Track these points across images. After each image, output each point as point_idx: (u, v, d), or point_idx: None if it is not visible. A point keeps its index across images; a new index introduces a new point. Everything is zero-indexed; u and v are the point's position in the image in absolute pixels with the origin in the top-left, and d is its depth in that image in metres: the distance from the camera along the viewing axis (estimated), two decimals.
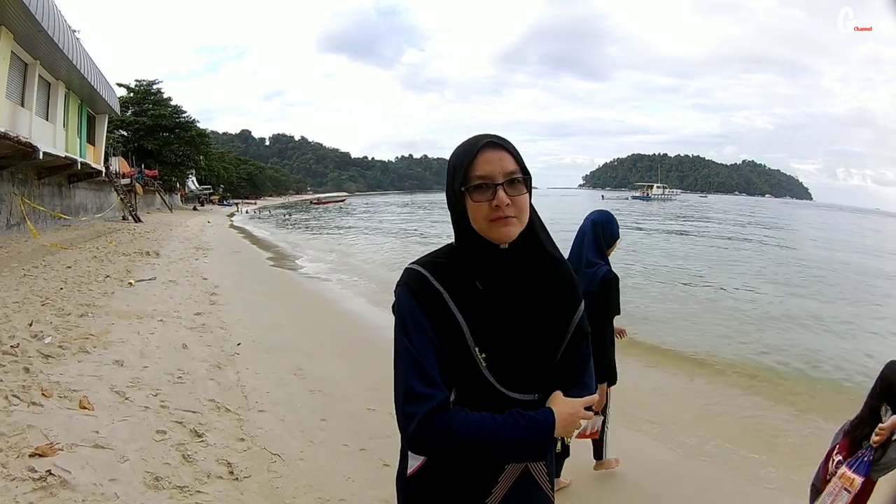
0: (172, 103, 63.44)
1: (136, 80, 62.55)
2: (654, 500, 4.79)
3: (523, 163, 1.70)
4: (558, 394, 1.73)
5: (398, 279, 1.73)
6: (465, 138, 1.74)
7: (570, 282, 1.85)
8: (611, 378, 4.35)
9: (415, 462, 1.75)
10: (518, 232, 1.67)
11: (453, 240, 1.80)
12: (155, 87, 63.06)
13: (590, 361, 1.90)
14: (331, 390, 6.60)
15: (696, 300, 15.15)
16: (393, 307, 1.74)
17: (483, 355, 1.65)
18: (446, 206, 1.75)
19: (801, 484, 5.04)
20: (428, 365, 1.60)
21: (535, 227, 1.77)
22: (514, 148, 1.70)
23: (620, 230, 4.48)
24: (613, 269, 4.29)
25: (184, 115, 64.54)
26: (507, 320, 1.69)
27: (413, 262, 1.76)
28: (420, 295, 1.66)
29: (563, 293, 1.81)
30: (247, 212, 70.75)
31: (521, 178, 1.66)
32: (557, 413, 1.67)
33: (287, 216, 65.67)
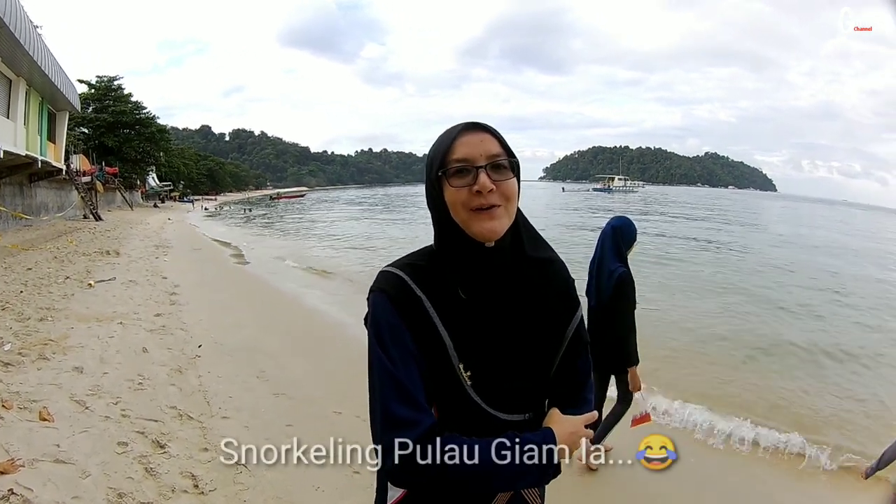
0: (133, 99, 62.13)
1: (97, 77, 61.20)
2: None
3: (509, 147, 1.52)
4: (555, 412, 1.58)
5: (372, 284, 1.53)
6: (437, 131, 1.55)
7: (566, 286, 1.68)
8: (633, 359, 4.70)
9: (395, 493, 1.55)
10: (506, 226, 1.50)
11: (432, 242, 1.63)
12: (116, 83, 61.73)
13: (590, 376, 1.71)
14: (295, 393, 6.44)
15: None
16: (366, 318, 1.53)
17: (468, 373, 1.48)
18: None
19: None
20: (411, 385, 1.41)
21: (520, 222, 1.58)
22: (497, 131, 1.52)
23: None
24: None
25: (144, 111, 63.20)
26: (494, 333, 1.52)
27: (389, 265, 1.57)
28: (399, 301, 1.47)
29: (557, 299, 1.63)
30: (205, 208, 69.48)
31: (507, 162, 1.49)
32: (558, 434, 1.49)
33: (248, 211, 64.80)
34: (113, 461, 4.31)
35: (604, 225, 4.84)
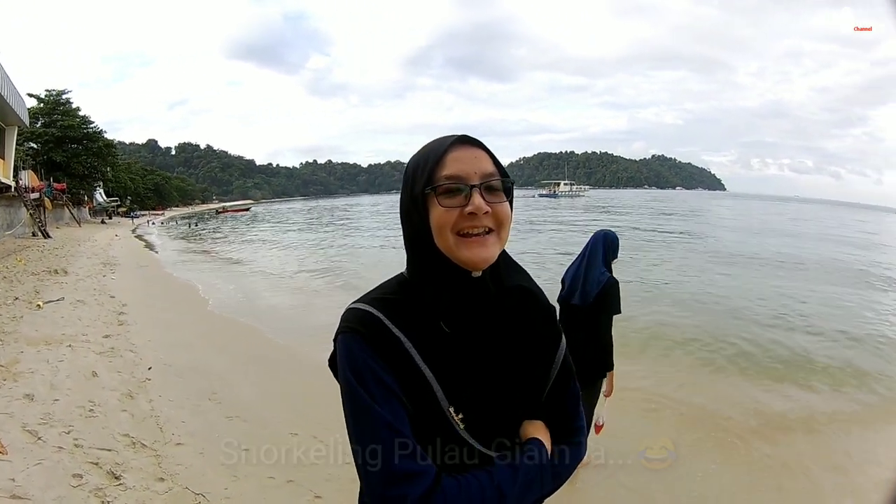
0: (81, 113, 60.03)
1: (47, 90, 59.21)
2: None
3: (503, 167, 1.36)
4: (531, 423, 1.44)
5: (340, 324, 1.34)
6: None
7: (549, 315, 1.54)
8: (612, 363, 4.83)
9: None
10: (497, 254, 1.34)
11: (400, 271, 1.46)
12: (64, 96, 59.77)
13: (580, 405, 1.57)
14: (249, 415, 6.29)
15: None
16: (331, 362, 1.37)
17: (459, 416, 1.31)
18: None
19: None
20: (407, 433, 1.23)
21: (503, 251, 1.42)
22: (490, 149, 1.36)
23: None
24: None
25: (91, 125, 61.01)
26: (482, 370, 1.36)
27: (358, 301, 1.37)
28: (375, 342, 1.28)
29: (542, 329, 1.50)
30: (151, 223, 67.98)
31: (502, 184, 1.34)
32: (545, 441, 1.40)
33: (193, 226, 63.74)
34: (69, 495, 4.17)
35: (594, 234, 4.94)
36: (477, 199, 1.27)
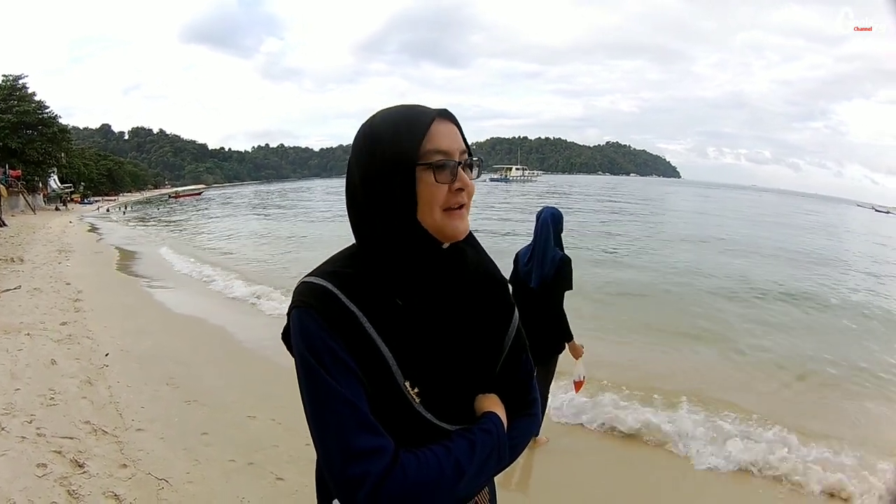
0: (36, 98, 57.53)
1: (4, 75, 56.92)
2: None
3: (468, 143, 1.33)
4: (485, 397, 1.40)
5: (293, 298, 1.27)
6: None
7: (502, 288, 1.50)
8: (569, 336, 4.94)
9: None
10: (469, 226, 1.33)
11: (353, 242, 1.36)
12: (21, 81, 57.41)
13: (533, 376, 1.52)
14: (207, 399, 6.18)
15: None
16: (285, 336, 1.30)
17: (415, 390, 1.26)
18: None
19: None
20: (365, 409, 1.17)
21: None
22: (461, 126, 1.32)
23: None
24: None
25: (47, 110, 58.33)
26: (437, 342, 1.30)
27: (311, 275, 1.29)
28: (330, 318, 1.20)
29: (496, 301, 1.46)
30: (108, 210, 65.96)
31: (472, 161, 1.31)
32: (500, 415, 1.36)
33: (150, 210, 61.80)
34: (35, 486, 4.05)
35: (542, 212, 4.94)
36: (464, 177, 1.26)
